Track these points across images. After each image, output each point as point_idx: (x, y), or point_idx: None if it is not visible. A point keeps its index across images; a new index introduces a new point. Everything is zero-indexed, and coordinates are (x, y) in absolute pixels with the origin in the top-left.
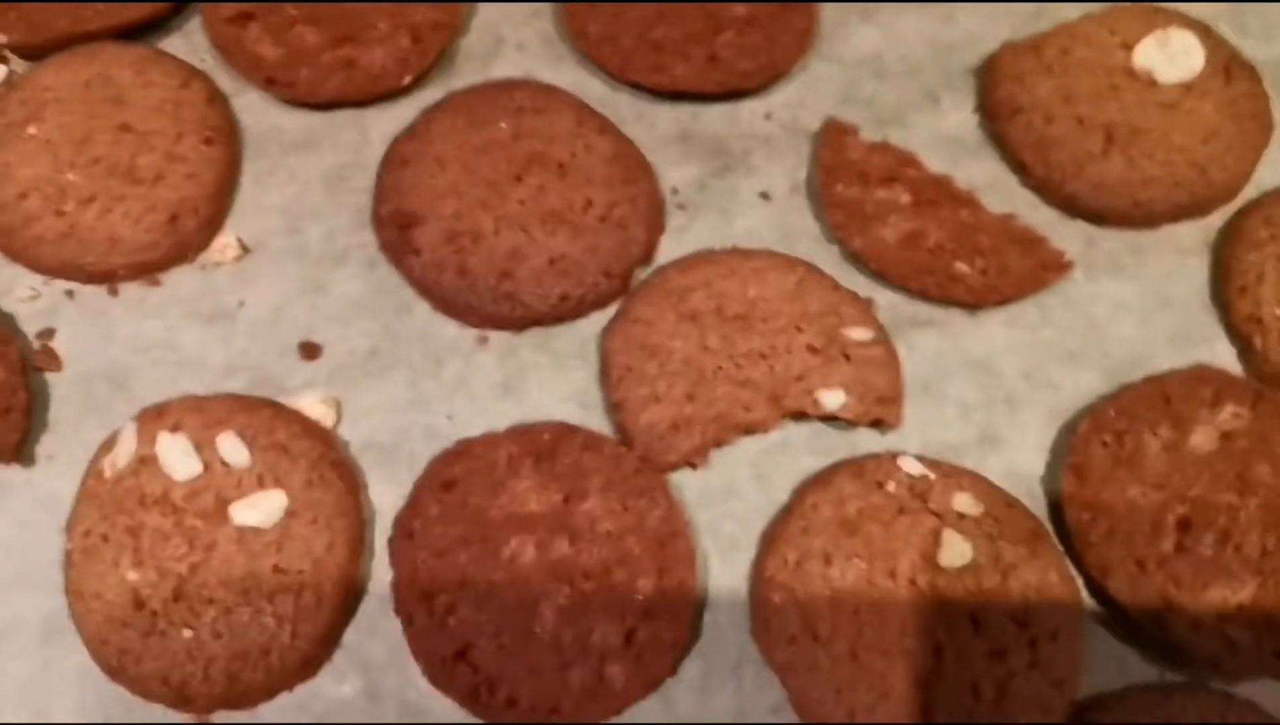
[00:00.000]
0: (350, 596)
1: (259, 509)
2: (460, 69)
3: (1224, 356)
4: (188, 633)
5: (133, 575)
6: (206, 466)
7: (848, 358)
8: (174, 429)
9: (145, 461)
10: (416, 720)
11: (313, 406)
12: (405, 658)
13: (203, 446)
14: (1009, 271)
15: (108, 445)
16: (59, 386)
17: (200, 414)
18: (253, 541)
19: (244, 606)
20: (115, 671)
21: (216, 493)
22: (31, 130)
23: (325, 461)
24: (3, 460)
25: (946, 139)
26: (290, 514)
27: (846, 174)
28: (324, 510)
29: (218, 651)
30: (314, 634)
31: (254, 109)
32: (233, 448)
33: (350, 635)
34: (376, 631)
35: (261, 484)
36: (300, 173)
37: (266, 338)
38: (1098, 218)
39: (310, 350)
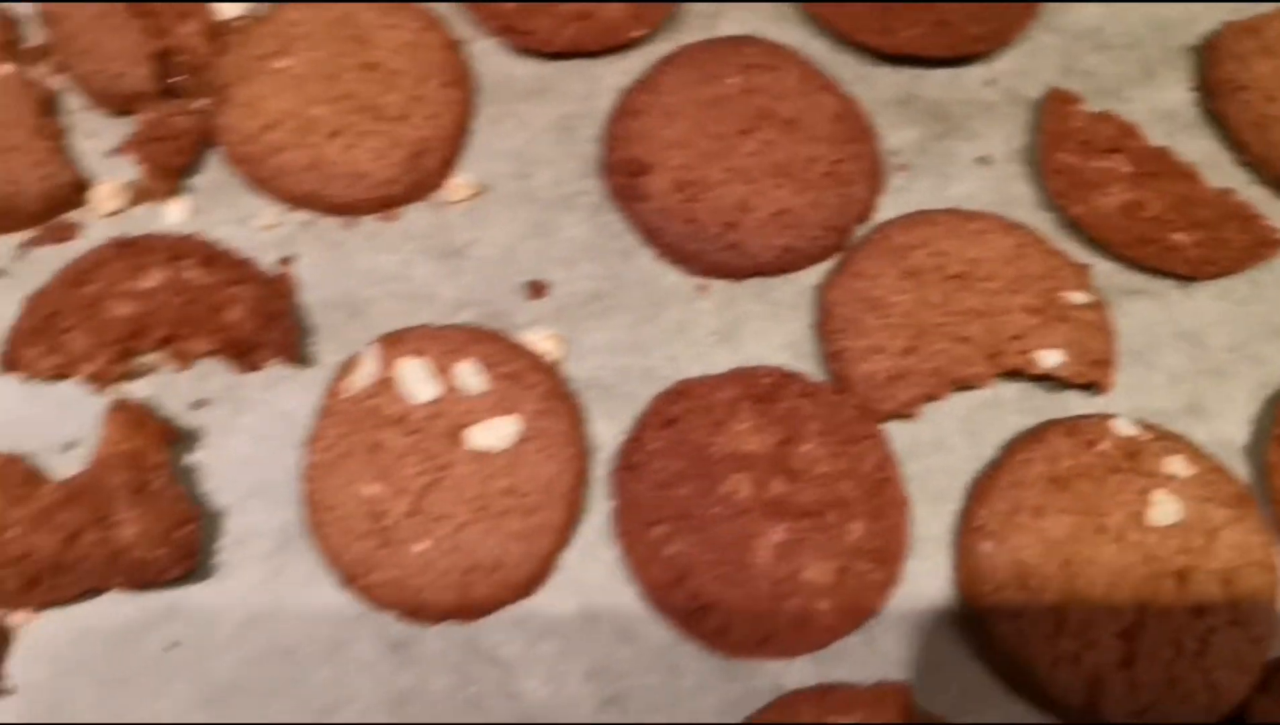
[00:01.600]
0: (573, 521)
1: (493, 433)
2: (688, 24)
3: None
4: (421, 546)
5: (371, 489)
6: (444, 391)
7: (1065, 320)
8: (414, 354)
9: (386, 384)
10: (630, 641)
11: (540, 342)
12: (619, 583)
13: (440, 372)
14: (1226, 245)
15: (349, 367)
16: (298, 313)
17: (438, 342)
18: (486, 463)
19: (476, 523)
20: (351, 579)
21: (452, 416)
22: (281, 64)
23: (555, 393)
24: (287, 361)
25: (1163, 113)
26: (522, 440)
27: (1068, 142)
28: (553, 438)
29: (450, 564)
30: (540, 552)
31: (487, 56)
32: (470, 374)
33: (569, 558)
34: (594, 557)
35: (495, 410)
36: (531, 119)
37: (495, 275)
38: None
39: (537, 289)
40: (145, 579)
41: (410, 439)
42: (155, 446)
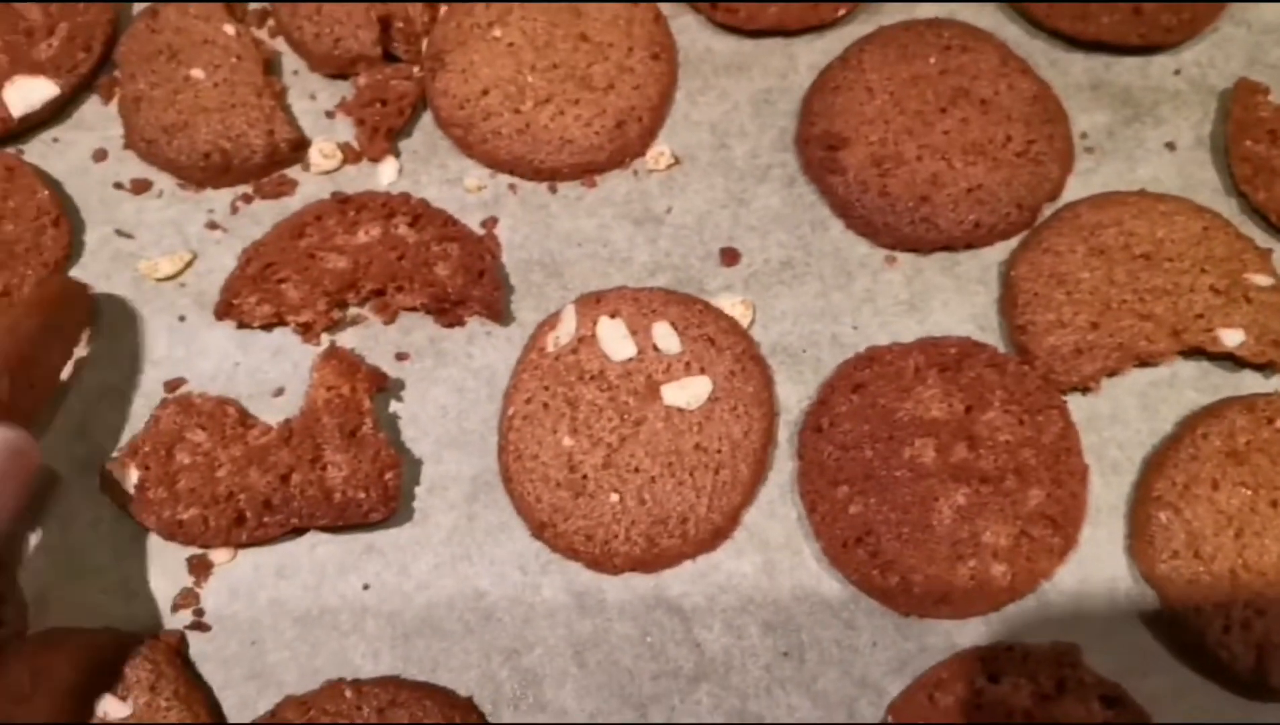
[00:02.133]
0: (758, 479)
1: (687, 391)
2: (885, 7)
3: None
4: (614, 497)
5: (568, 441)
6: (640, 350)
7: (1248, 301)
8: (612, 314)
9: (584, 341)
10: (808, 597)
11: (732, 306)
12: (800, 541)
13: (637, 332)
14: None
15: (550, 324)
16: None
17: (635, 303)
18: (678, 421)
19: (667, 477)
20: (543, 527)
21: (648, 375)
22: (496, 33)
23: (747, 356)
24: (491, 317)
25: None
26: (714, 399)
27: (1256, 130)
28: (743, 399)
29: (640, 516)
30: (726, 508)
31: (689, 31)
32: (665, 335)
33: (751, 516)
34: (775, 515)
35: (689, 370)
36: (730, 93)
37: (690, 242)
38: None
39: (730, 256)
40: (350, 519)
41: (606, 395)
42: (365, 393)
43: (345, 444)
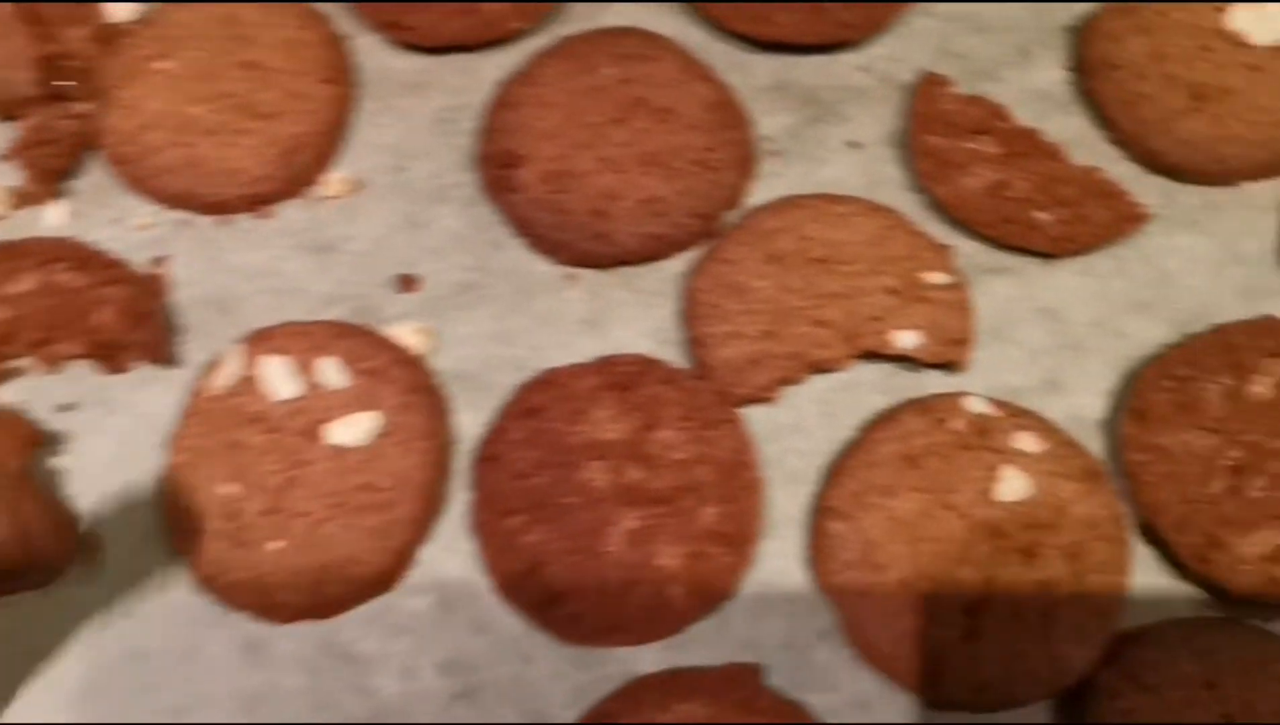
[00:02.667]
0: (431, 514)
1: (353, 429)
2: (571, 17)
3: None
4: (276, 544)
5: (228, 489)
6: (306, 388)
7: (923, 300)
8: (278, 352)
9: (249, 382)
10: (484, 633)
11: (407, 335)
12: (477, 575)
13: (304, 369)
14: (1087, 222)
15: (213, 365)
16: (166, 311)
17: (303, 339)
18: (345, 459)
19: (333, 520)
20: (206, 580)
21: (313, 413)
22: (161, 65)
23: (417, 387)
24: (154, 362)
25: (1037, 94)
26: (382, 435)
27: (938, 124)
28: (414, 432)
29: (304, 563)
30: (395, 548)
31: (370, 51)
32: (331, 371)
33: (427, 552)
34: (451, 549)
35: (355, 406)
36: (410, 114)
37: (367, 269)
38: (1178, 173)
39: (408, 282)
40: (32, 583)
41: (270, 437)
42: (18, 457)
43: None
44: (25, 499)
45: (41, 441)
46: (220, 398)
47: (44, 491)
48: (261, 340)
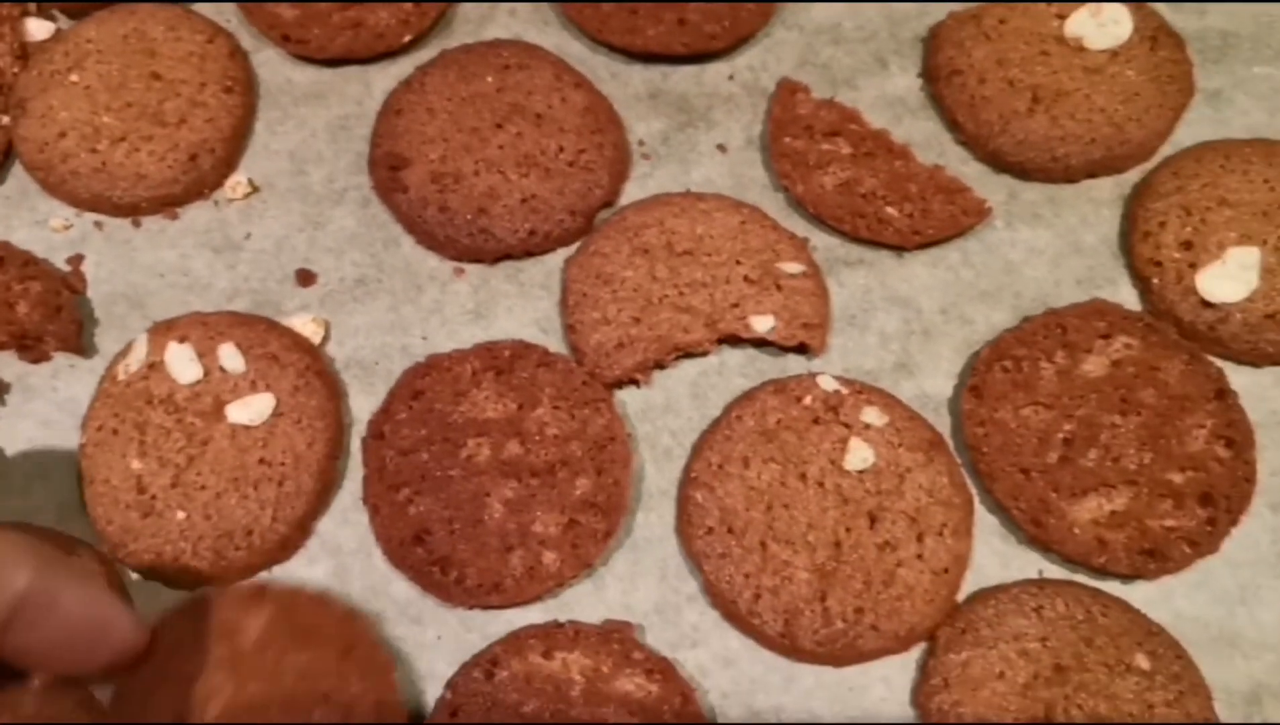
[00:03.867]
0: (325, 488)
1: (250, 409)
2: (456, 30)
3: (1127, 298)
4: (181, 514)
5: (137, 464)
6: (207, 372)
7: (780, 288)
8: (181, 340)
9: (155, 367)
10: (378, 598)
11: (304, 325)
12: (370, 546)
13: (204, 355)
14: (933, 216)
15: (122, 353)
16: (83, 306)
17: (204, 327)
18: (243, 437)
19: (232, 492)
20: (116, 548)
21: (215, 395)
22: (73, 77)
23: (311, 371)
24: (69, 351)
25: (891, 100)
26: (278, 414)
27: (794, 127)
28: (308, 413)
29: (206, 531)
30: (292, 518)
31: (271, 64)
32: (230, 356)
33: (324, 524)
34: (347, 522)
35: (254, 388)
36: (308, 121)
37: (268, 266)
38: (1021, 172)
39: (306, 277)
40: None
41: (174, 417)
42: None
43: None
44: None
45: None
46: (129, 382)
47: None
48: (165, 329)
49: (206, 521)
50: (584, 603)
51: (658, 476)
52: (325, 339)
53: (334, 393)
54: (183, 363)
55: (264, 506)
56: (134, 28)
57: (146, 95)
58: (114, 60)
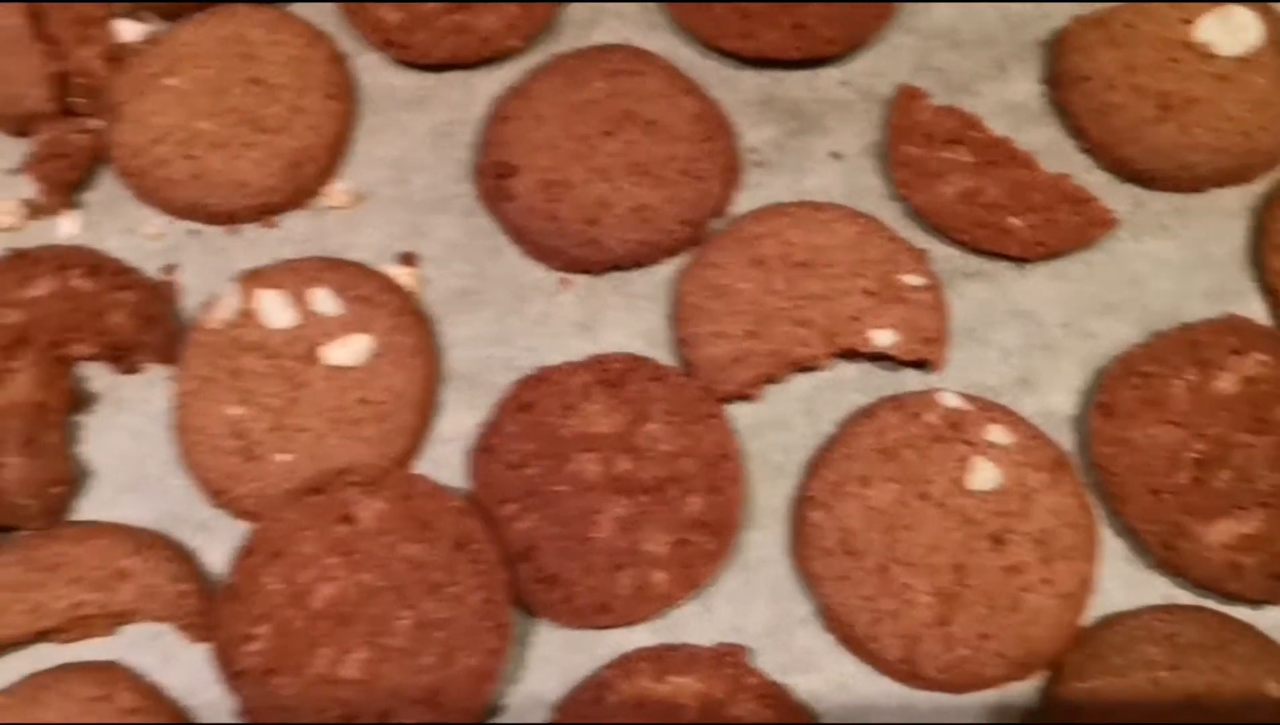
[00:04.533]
0: (424, 424)
1: (348, 349)
2: (563, 35)
3: (1256, 311)
4: (284, 456)
5: (235, 411)
6: (301, 317)
7: (900, 301)
8: (272, 286)
9: (247, 315)
10: None
11: (399, 274)
12: None
13: (297, 300)
14: (1058, 227)
15: (210, 303)
16: (177, 317)
17: (294, 273)
18: (341, 378)
19: (333, 433)
20: (218, 494)
21: (309, 339)
22: (169, 82)
23: (405, 310)
24: (163, 362)
25: (1012, 106)
26: (374, 355)
27: (914, 135)
28: (404, 351)
29: (310, 471)
30: (394, 454)
31: (372, 68)
32: (324, 299)
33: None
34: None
35: (349, 330)
36: (410, 128)
37: None
38: (1147, 181)
39: (408, 259)
40: (7, 520)
41: (270, 362)
42: (59, 405)
43: (24, 449)
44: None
45: (81, 402)
46: (220, 330)
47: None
48: (254, 277)
49: (310, 462)
50: (692, 624)
51: (769, 494)
52: (418, 289)
53: (428, 332)
54: (276, 308)
55: (367, 444)
56: (232, 31)
57: (246, 101)
58: (212, 64)
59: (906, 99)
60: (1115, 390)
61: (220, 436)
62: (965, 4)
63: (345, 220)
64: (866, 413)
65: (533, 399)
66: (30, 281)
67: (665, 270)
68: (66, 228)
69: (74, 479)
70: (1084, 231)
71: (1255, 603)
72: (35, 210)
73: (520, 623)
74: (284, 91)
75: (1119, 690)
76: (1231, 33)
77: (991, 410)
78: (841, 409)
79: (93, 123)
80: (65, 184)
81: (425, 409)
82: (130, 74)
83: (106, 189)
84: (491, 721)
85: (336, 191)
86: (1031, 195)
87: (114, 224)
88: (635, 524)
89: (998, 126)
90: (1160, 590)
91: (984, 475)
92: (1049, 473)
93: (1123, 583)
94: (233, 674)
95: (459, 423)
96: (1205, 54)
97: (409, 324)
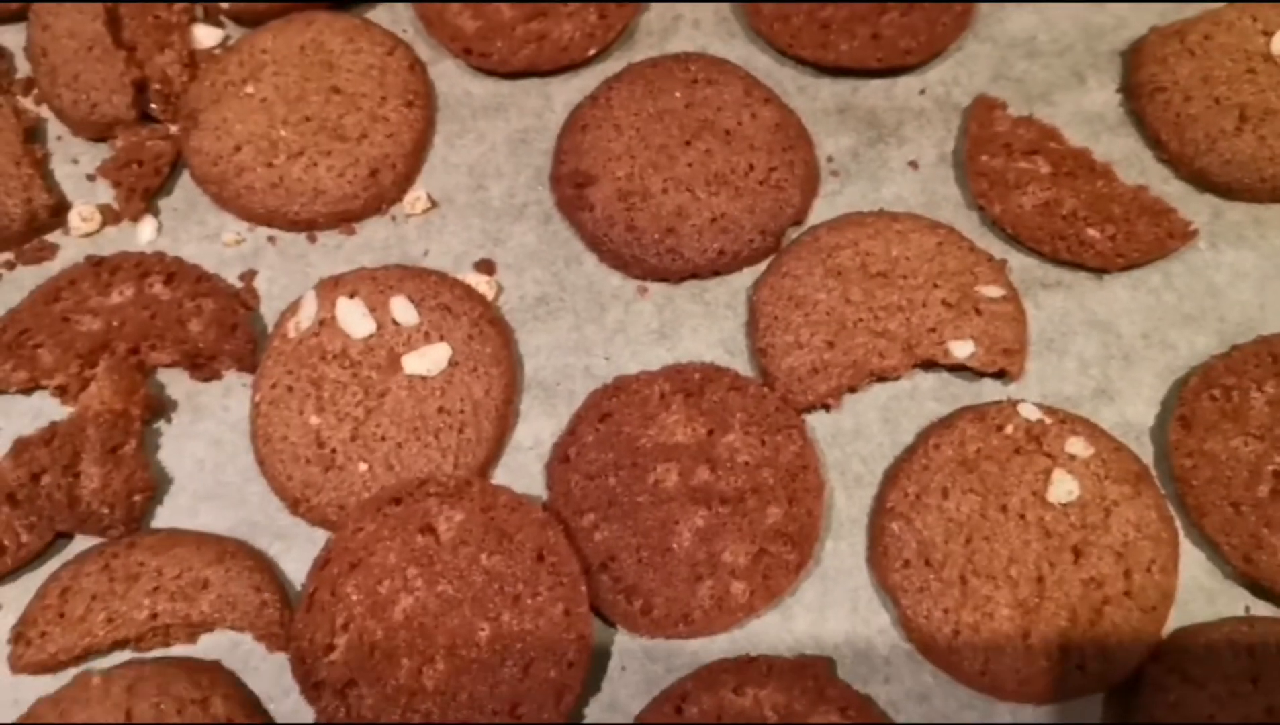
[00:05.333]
0: (503, 434)
1: (427, 359)
2: (640, 43)
3: None
4: (363, 466)
5: (315, 419)
6: (380, 326)
7: (979, 312)
8: (351, 294)
9: (325, 323)
10: None
11: (478, 282)
12: None
13: (375, 309)
14: (1137, 238)
15: (290, 311)
16: (256, 323)
17: (373, 282)
18: (420, 387)
19: (413, 442)
20: (297, 503)
21: (389, 348)
22: (249, 89)
23: (484, 319)
24: (243, 369)
25: (1089, 116)
26: (454, 364)
27: (992, 145)
28: (483, 360)
29: (389, 481)
30: (473, 464)
31: (448, 76)
32: (403, 308)
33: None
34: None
35: (428, 339)
36: (487, 135)
37: None
38: (1226, 191)
39: (487, 267)
40: (88, 530)
41: (349, 371)
42: (138, 415)
43: (104, 458)
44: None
45: (160, 411)
46: (300, 339)
47: (142, 457)
48: (334, 285)
49: (389, 471)
50: (771, 634)
51: (848, 504)
52: (497, 297)
53: (508, 340)
54: (355, 317)
55: (445, 454)
56: (311, 38)
57: (326, 109)
58: (291, 72)
59: (985, 109)
60: (1194, 402)
61: (299, 445)
62: (1043, 9)
63: (423, 227)
64: (946, 424)
65: (611, 408)
66: (110, 288)
67: (743, 279)
68: (144, 234)
69: (153, 487)
70: (1164, 243)
71: None
72: (113, 216)
73: (599, 633)
74: (363, 99)
75: (1199, 702)
76: None
77: (1071, 422)
78: (920, 419)
79: (171, 129)
80: (143, 190)
81: (504, 418)
82: (208, 80)
83: (183, 195)
84: None
85: (414, 198)
86: (1110, 206)
87: (192, 231)
88: (714, 534)
89: (1075, 136)
90: (1240, 602)
91: (1064, 487)
92: (1130, 485)
93: (1202, 594)
94: (312, 684)
95: (537, 432)
96: None
97: (488, 333)
